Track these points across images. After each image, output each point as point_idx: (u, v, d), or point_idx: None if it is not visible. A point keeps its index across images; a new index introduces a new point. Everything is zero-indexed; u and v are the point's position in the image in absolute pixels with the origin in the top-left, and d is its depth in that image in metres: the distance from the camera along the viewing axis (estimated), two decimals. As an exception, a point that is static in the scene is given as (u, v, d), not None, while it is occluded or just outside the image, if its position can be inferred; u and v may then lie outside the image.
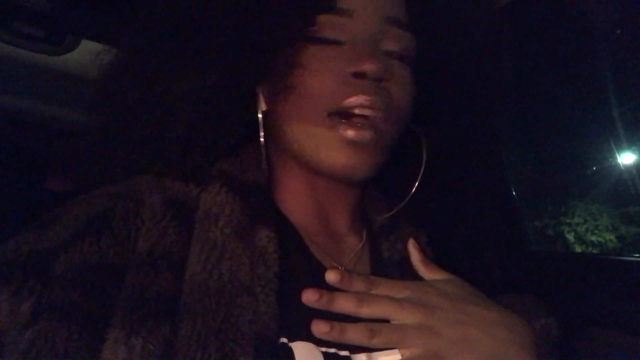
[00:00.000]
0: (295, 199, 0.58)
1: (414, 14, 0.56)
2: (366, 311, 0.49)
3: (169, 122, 0.51)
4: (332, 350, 0.48)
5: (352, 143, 0.50)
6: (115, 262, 0.44)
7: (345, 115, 0.50)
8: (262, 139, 0.54)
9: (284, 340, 0.46)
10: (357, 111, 0.50)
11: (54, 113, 1.33)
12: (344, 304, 0.48)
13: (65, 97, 1.27)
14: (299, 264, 0.53)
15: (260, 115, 0.54)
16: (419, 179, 0.58)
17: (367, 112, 0.50)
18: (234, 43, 0.50)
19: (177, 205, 0.49)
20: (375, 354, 0.50)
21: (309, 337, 0.47)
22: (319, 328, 0.46)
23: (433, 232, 0.64)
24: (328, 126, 0.51)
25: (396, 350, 0.49)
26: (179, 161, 0.52)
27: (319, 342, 0.47)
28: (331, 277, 0.50)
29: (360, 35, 0.52)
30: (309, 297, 0.47)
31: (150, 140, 0.52)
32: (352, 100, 0.50)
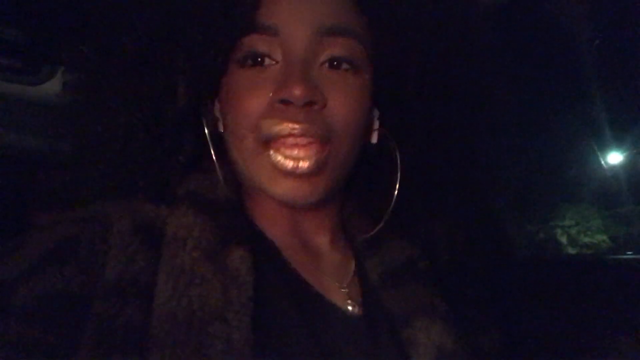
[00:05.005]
0: (270, 218, 0.56)
1: (370, 16, 0.53)
2: None
3: (122, 148, 0.50)
4: None
5: (291, 172, 0.48)
6: (80, 291, 0.42)
7: (277, 142, 0.48)
8: (214, 157, 0.52)
9: None
10: (289, 140, 0.48)
11: (34, 144, 1.30)
12: None
13: (45, 126, 1.25)
14: (278, 284, 0.50)
15: (207, 133, 0.52)
16: (396, 191, 0.56)
17: (299, 140, 0.48)
18: (167, 70, 0.50)
19: (146, 229, 0.47)
20: None
21: None
22: None
23: (421, 242, 0.62)
24: (263, 153, 0.49)
25: None
26: (138, 186, 0.51)
27: None
28: None
29: (290, 53, 0.49)
30: None
31: (108, 164, 0.51)
32: (282, 128, 0.47)
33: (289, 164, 0.48)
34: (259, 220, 0.56)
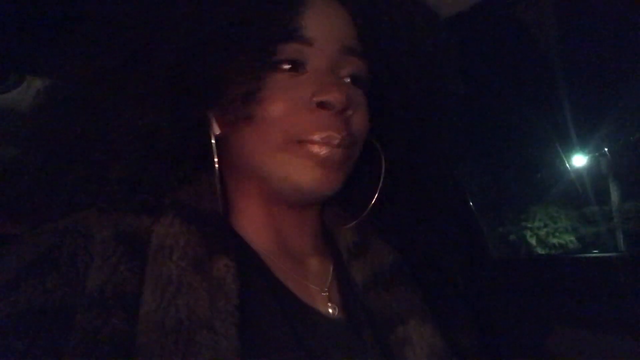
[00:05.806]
0: (254, 225, 0.56)
1: (366, 41, 0.58)
2: None
3: (113, 159, 0.49)
4: None
5: (323, 160, 0.50)
6: (64, 303, 0.41)
7: (313, 142, 0.50)
8: (216, 166, 0.52)
9: None
10: (324, 142, 0.51)
11: (2, 153, 1.27)
12: None
13: (12, 135, 1.22)
14: (263, 292, 0.50)
15: (213, 142, 0.53)
16: (377, 192, 0.58)
17: (335, 145, 0.51)
18: (186, 71, 0.49)
19: (129, 240, 0.46)
20: None
21: None
22: None
23: (400, 245, 0.64)
24: (296, 149, 0.50)
25: None
26: (126, 197, 0.49)
27: None
28: None
29: (322, 64, 0.52)
30: None
31: (93, 177, 0.49)
32: (325, 135, 0.50)
33: (325, 151, 0.50)
34: (242, 229, 0.56)
